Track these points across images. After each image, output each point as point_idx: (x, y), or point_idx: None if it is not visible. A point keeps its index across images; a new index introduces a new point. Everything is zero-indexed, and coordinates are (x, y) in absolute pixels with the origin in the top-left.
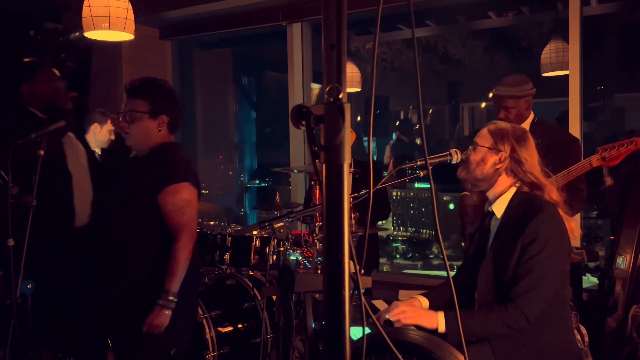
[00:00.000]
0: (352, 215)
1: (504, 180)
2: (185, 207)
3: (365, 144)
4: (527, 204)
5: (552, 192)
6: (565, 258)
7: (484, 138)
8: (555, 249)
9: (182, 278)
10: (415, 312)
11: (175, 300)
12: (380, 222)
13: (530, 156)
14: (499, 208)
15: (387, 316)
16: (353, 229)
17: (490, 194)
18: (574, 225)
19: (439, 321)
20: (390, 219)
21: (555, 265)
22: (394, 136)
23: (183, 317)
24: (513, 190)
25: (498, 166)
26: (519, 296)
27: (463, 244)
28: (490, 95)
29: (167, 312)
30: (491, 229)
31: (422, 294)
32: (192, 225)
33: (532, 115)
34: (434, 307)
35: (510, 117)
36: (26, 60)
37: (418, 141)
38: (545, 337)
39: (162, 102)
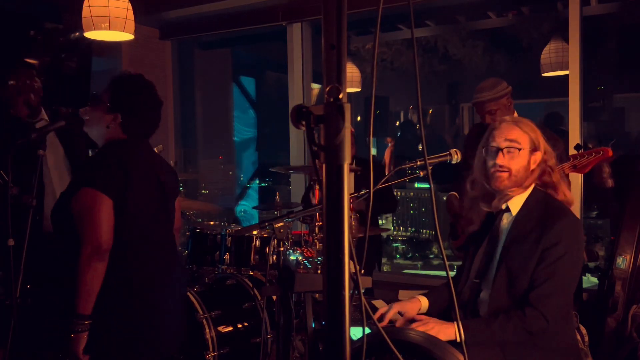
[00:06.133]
0: (353, 216)
1: (531, 181)
2: (84, 216)
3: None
4: (547, 204)
5: (567, 192)
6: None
7: (522, 139)
8: (576, 256)
9: (92, 298)
10: (436, 326)
11: (87, 322)
12: (381, 222)
13: (553, 153)
14: (515, 206)
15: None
16: (354, 230)
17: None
18: None
19: (455, 332)
20: (390, 218)
21: (576, 270)
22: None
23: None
24: (531, 188)
25: (535, 167)
26: (540, 300)
27: (453, 246)
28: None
29: (83, 336)
30: (502, 226)
31: (423, 294)
32: (94, 238)
33: (515, 115)
34: (434, 308)
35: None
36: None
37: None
38: (554, 335)
39: (122, 100)
